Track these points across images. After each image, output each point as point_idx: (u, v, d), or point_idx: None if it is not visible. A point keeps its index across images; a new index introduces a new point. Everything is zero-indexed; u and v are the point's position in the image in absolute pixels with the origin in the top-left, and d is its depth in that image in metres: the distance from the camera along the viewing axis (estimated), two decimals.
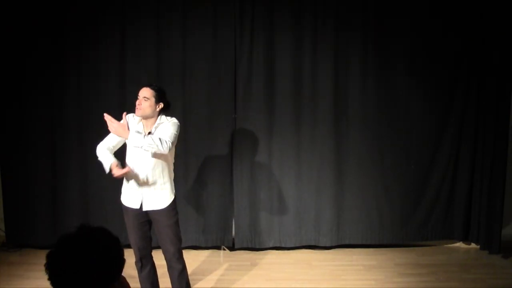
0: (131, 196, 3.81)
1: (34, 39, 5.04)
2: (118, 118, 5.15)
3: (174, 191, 3.88)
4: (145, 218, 3.84)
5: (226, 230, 5.33)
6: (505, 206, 5.23)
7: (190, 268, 4.90)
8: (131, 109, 5.13)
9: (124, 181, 3.85)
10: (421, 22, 5.15)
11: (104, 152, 3.78)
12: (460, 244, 5.54)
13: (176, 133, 3.71)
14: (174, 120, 3.78)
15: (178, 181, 5.22)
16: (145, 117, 3.75)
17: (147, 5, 5.07)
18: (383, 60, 5.20)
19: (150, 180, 3.73)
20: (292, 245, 5.36)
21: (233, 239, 5.35)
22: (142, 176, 3.73)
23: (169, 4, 5.07)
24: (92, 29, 5.07)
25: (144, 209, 3.78)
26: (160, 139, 3.57)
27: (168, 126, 3.71)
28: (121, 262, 1.77)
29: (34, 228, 5.16)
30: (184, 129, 5.23)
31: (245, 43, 5.14)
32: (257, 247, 5.34)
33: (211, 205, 5.30)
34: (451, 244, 5.55)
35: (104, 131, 5.15)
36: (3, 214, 5.33)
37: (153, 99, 3.74)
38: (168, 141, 3.59)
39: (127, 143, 3.76)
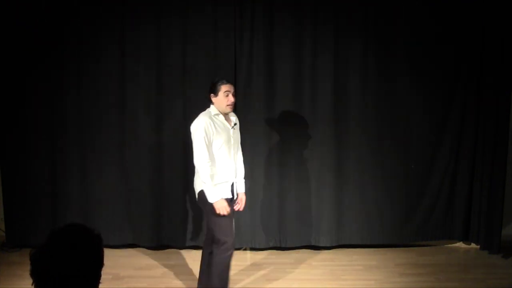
0: (227, 188, 4.02)
1: (35, 39, 5.04)
2: (118, 116, 5.19)
3: None
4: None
5: None
6: (505, 206, 5.23)
7: (189, 268, 4.91)
8: (131, 109, 5.18)
9: (211, 179, 3.91)
10: (421, 24, 5.16)
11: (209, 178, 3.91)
12: (460, 244, 5.54)
13: None
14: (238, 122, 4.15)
15: (178, 181, 5.25)
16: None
17: (147, 5, 5.07)
18: (383, 62, 5.21)
19: (235, 171, 4.07)
20: (292, 245, 5.36)
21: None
22: (232, 168, 4.02)
23: (169, 4, 5.08)
24: (92, 29, 5.07)
25: (235, 197, 4.10)
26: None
27: (239, 132, 4.17)
28: (101, 261, 1.76)
29: (34, 228, 5.16)
30: (184, 129, 5.22)
31: (245, 43, 5.14)
32: (257, 247, 5.34)
33: None
34: (451, 244, 5.55)
35: (104, 132, 5.20)
36: (3, 214, 5.34)
37: None
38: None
39: (216, 143, 3.92)
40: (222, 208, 3.84)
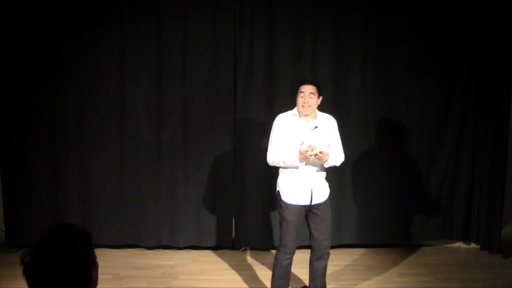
0: (301, 193, 3.86)
1: (34, 38, 5.04)
2: (118, 116, 5.19)
3: None
4: (306, 213, 3.92)
5: (226, 230, 5.33)
6: (505, 206, 5.24)
7: (189, 268, 4.92)
8: (132, 109, 5.18)
9: (288, 180, 3.88)
10: (421, 24, 5.17)
11: (284, 155, 3.83)
12: (460, 244, 5.55)
13: None
14: (337, 125, 3.99)
15: (178, 181, 5.25)
16: (310, 114, 3.85)
17: (147, 5, 5.07)
18: (383, 62, 5.21)
19: (320, 174, 3.89)
20: None
21: (233, 239, 5.35)
22: (314, 170, 3.86)
23: (169, 5, 5.08)
24: (92, 29, 5.07)
25: (314, 202, 3.86)
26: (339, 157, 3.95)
27: (338, 136, 4.00)
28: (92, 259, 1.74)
29: (34, 228, 5.15)
30: (184, 129, 5.23)
31: (245, 43, 5.14)
32: (257, 247, 5.34)
33: (211, 205, 5.31)
34: (451, 244, 5.55)
35: (103, 132, 5.19)
36: (3, 214, 5.34)
37: (317, 94, 3.84)
38: (343, 155, 3.99)
39: (287, 144, 3.83)
40: (308, 155, 3.67)
